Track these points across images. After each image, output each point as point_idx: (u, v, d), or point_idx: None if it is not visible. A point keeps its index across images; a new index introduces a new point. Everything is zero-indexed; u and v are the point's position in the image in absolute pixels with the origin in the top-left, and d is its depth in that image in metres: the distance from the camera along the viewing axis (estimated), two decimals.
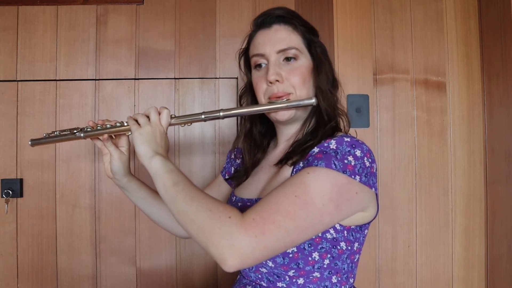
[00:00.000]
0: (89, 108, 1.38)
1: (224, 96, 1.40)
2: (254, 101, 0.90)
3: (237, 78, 1.40)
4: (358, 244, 0.76)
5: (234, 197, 0.90)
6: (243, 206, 0.83)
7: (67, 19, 1.38)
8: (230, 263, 0.60)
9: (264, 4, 1.40)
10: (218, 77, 1.40)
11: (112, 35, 1.39)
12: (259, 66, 0.83)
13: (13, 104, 1.36)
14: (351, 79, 1.20)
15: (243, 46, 0.91)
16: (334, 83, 0.86)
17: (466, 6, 1.40)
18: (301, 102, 0.78)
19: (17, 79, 1.36)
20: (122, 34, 1.39)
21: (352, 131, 1.19)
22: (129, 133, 0.80)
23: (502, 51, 1.27)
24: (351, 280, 0.79)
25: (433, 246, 1.38)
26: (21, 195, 1.34)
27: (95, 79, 1.38)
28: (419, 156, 1.38)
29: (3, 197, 1.32)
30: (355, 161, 0.67)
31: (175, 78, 1.40)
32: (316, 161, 0.67)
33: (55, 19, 1.38)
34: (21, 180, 1.34)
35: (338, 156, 0.67)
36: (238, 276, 0.88)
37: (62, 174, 1.36)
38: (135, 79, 1.39)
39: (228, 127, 1.40)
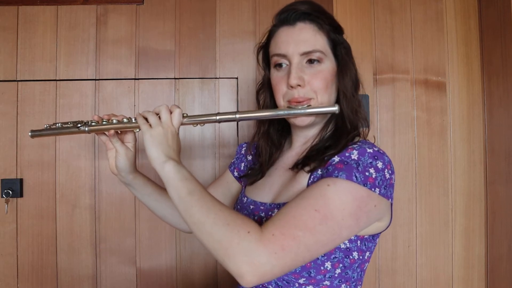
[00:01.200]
0: (89, 108, 1.38)
1: (224, 96, 1.40)
2: (272, 99, 0.85)
3: (237, 78, 1.40)
4: (369, 253, 0.75)
5: (246, 198, 0.86)
6: (256, 210, 0.80)
7: (67, 19, 1.38)
8: (249, 279, 0.58)
9: (264, 4, 1.40)
10: (218, 77, 1.40)
11: (112, 35, 1.39)
12: (279, 65, 0.78)
13: (13, 104, 1.36)
14: None
15: (263, 41, 0.85)
16: (357, 85, 0.82)
17: (466, 6, 1.40)
18: (323, 109, 0.74)
19: (17, 79, 1.36)
20: (122, 34, 1.39)
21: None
22: (137, 130, 0.76)
23: (502, 51, 1.27)
24: (359, 287, 0.78)
25: (433, 246, 1.38)
26: (21, 195, 1.34)
27: (95, 79, 1.38)
28: (419, 156, 1.38)
29: (3, 197, 1.32)
30: (376, 174, 0.65)
31: (175, 78, 1.40)
32: (336, 172, 0.65)
33: (55, 19, 1.38)
34: (21, 180, 1.34)
35: (360, 168, 0.64)
36: None
37: (62, 174, 1.36)
38: (135, 79, 1.39)
39: (228, 129, 1.40)
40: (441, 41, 1.40)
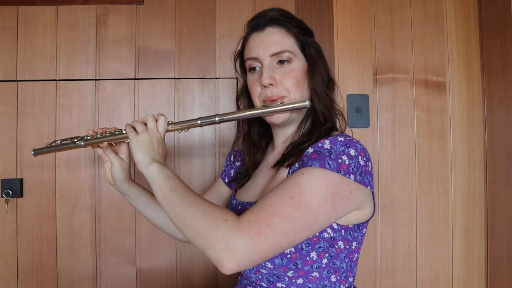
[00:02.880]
0: (89, 108, 1.38)
1: (224, 96, 1.40)
2: (251, 103, 0.90)
3: (237, 78, 1.40)
4: (357, 243, 0.76)
5: (235, 201, 0.90)
6: (243, 209, 0.83)
7: (67, 19, 1.38)
8: (228, 265, 0.60)
9: (264, 4, 1.40)
10: (218, 77, 1.40)
11: (112, 35, 1.39)
12: (253, 69, 0.83)
13: (13, 104, 1.36)
14: (351, 79, 1.20)
15: (238, 49, 0.91)
16: (329, 84, 0.86)
17: (466, 6, 1.40)
18: (295, 105, 0.79)
19: (17, 79, 1.36)
20: (122, 34, 1.39)
21: (350, 131, 1.19)
22: (128, 140, 0.81)
23: (502, 51, 1.27)
24: (351, 279, 0.79)
25: (433, 246, 1.38)
26: (21, 195, 1.34)
27: (95, 79, 1.38)
28: (419, 156, 1.38)
29: (3, 197, 1.32)
30: (349, 160, 0.67)
31: (175, 78, 1.40)
32: (310, 162, 0.67)
33: (55, 19, 1.38)
34: (21, 180, 1.34)
35: (332, 156, 0.67)
36: (239, 277, 0.89)
37: (62, 174, 1.36)
38: (135, 79, 1.39)
39: (228, 128, 1.40)
40: (441, 41, 1.40)
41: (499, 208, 1.31)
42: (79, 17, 1.38)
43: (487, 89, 1.37)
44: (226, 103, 1.40)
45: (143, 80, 1.39)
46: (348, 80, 1.20)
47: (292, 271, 0.72)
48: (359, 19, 1.19)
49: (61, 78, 1.37)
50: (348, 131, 0.88)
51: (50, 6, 1.38)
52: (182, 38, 1.40)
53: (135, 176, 0.95)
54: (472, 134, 1.39)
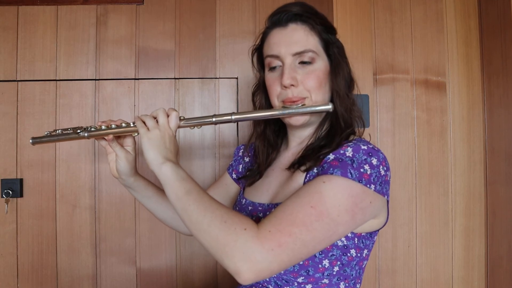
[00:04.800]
0: (89, 108, 1.38)
1: (224, 96, 1.40)
2: (267, 101, 0.86)
3: (237, 78, 1.40)
4: (368, 251, 0.75)
5: (244, 200, 0.87)
6: (254, 211, 0.81)
7: (67, 19, 1.38)
8: (246, 276, 0.58)
9: (264, 4, 1.40)
10: (218, 77, 1.40)
11: (112, 35, 1.39)
12: (273, 67, 0.79)
13: (13, 104, 1.36)
14: None
15: (257, 43, 0.86)
16: (351, 84, 0.82)
17: (466, 6, 1.40)
18: (317, 108, 0.75)
19: (17, 79, 1.36)
20: (122, 34, 1.39)
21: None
22: (136, 134, 0.78)
23: (502, 51, 1.27)
24: (358, 286, 0.78)
25: (433, 246, 1.38)
26: (21, 195, 1.34)
27: (95, 79, 1.38)
28: (419, 156, 1.38)
29: (3, 197, 1.32)
30: (371, 170, 0.65)
31: (175, 78, 1.40)
32: (331, 169, 0.65)
33: (55, 19, 1.38)
34: (21, 180, 1.34)
35: (355, 165, 0.65)
36: None
37: (62, 174, 1.36)
38: (135, 79, 1.39)
39: (228, 129, 1.40)
40: (441, 41, 1.40)
41: (499, 208, 1.31)
42: (79, 17, 1.38)
43: (487, 89, 1.37)
44: (226, 103, 1.40)
45: (143, 80, 1.39)
46: None
47: (303, 277, 0.70)
48: (359, 19, 1.19)
49: (61, 78, 1.37)
50: (366, 133, 0.85)
51: (50, 6, 1.38)
52: (182, 38, 1.40)
53: (138, 168, 0.93)
54: (472, 134, 1.39)
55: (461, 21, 1.40)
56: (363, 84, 1.20)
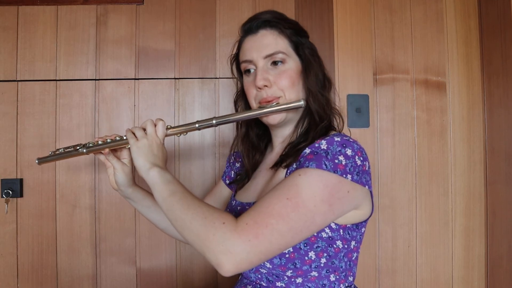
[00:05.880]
0: (89, 108, 1.38)
1: (224, 96, 1.40)
2: (248, 106, 0.91)
3: (236, 78, 1.40)
4: (356, 243, 0.77)
5: (234, 201, 0.91)
6: (242, 210, 0.84)
7: (67, 19, 1.38)
8: (226, 268, 0.61)
9: (264, 4, 1.40)
10: (218, 77, 1.40)
11: (112, 35, 1.39)
12: (248, 71, 0.84)
13: (13, 104, 1.36)
14: (351, 79, 1.20)
15: (234, 52, 0.92)
16: (325, 83, 0.87)
17: (466, 6, 1.40)
18: (290, 105, 0.80)
19: (17, 79, 1.36)
20: (122, 34, 1.39)
21: (352, 131, 1.19)
22: (129, 146, 0.82)
23: (502, 51, 1.27)
24: (351, 279, 0.79)
25: (433, 246, 1.38)
26: (21, 195, 1.34)
27: (95, 79, 1.38)
28: (419, 156, 1.38)
29: (3, 197, 1.32)
30: (346, 160, 0.67)
31: (175, 78, 1.40)
32: (307, 162, 0.68)
33: (55, 19, 1.38)
34: (21, 180, 1.34)
35: (329, 156, 0.67)
36: (240, 277, 0.89)
37: (62, 174, 1.36)
38: (135, 79, 1.39)
39: (228, 128, 1.40)
40: (441, 41, 1.40)
41: (499, 208, 1.31)
42: (79, 17, 1.38)
43: (487, 89, 1.37)
44: (226, 103, 1.40)
45: (143, 80, 1.39)
46: (348, 80, 1.20)
47: (291, 271, 0.72)
48: (359, 19, 1.20)
49: (61, 78, 1.37)
50: (346, 131, 0.88)
51: (50, 6, 1.38)
52: (182, 38, 1.40)
53: (138, 181, 0.95)
54: (472, 134, 1.39)
55: (461, 21, 1.40)
56: (363, 84, 1.20)
